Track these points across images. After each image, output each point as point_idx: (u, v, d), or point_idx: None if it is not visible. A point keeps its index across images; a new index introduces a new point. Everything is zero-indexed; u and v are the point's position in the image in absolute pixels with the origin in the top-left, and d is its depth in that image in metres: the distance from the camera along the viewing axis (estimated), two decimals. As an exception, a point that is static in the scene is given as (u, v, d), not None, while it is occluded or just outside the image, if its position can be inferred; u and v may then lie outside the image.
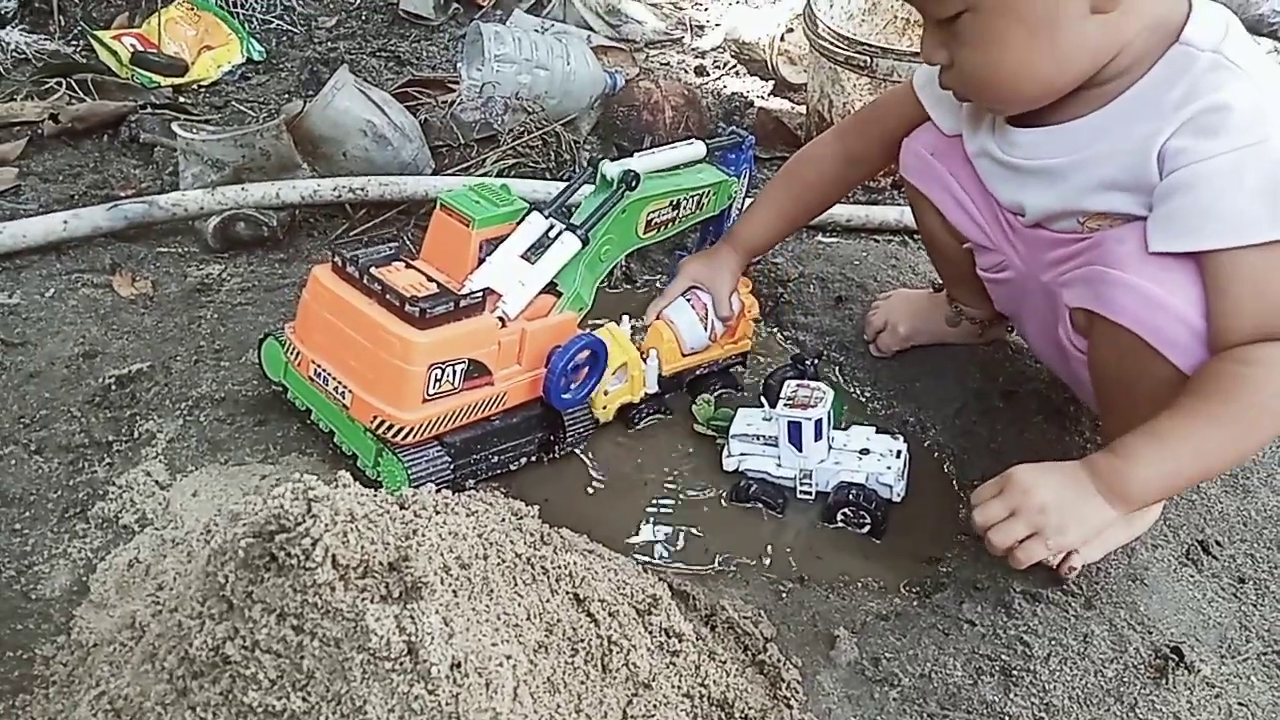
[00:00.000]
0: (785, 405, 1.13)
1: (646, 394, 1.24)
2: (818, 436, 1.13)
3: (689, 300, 1.26)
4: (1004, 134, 1.09)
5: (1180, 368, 0.94)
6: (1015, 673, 0.97)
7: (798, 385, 1.16)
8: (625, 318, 1.25)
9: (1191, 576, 1.10)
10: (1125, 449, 0.94)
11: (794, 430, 1.12)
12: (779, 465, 1.15)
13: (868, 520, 1.12)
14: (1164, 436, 0.93)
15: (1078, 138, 1.01)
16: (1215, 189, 0.91)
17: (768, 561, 1.09)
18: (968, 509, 1.03)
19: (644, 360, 1.22)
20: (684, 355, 1.27)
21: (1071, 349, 1.07)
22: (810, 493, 1.15)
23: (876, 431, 1.18)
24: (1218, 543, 1.14)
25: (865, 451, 1.15)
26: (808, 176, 1.33)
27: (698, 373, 1.30)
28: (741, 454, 1.17)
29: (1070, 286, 1.03)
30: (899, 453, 1.15)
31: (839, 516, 1.13)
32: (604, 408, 1.21)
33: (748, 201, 1.38)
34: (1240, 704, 0.97)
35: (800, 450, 1.13)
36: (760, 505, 1.15)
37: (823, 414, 1.12)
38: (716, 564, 1.09)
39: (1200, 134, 0.91)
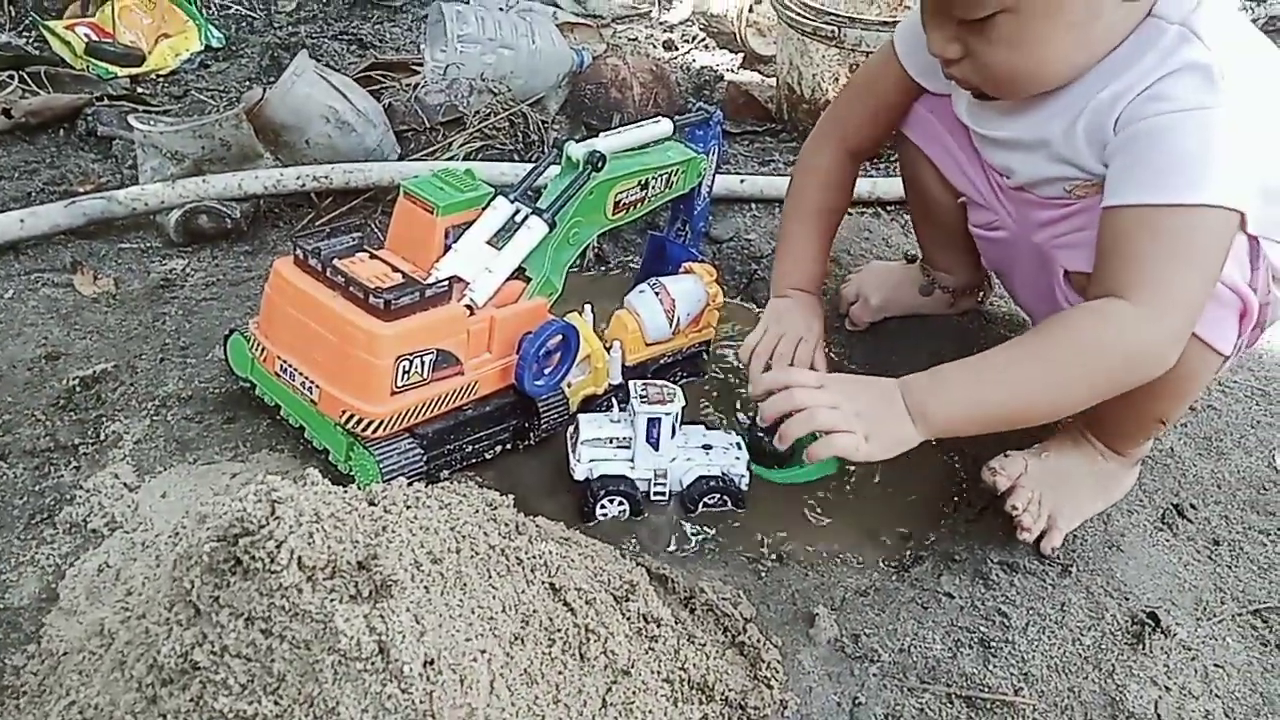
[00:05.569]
0: (640, 403, 1.10)
1: (610, 385, 1.23)
2: (673, 433, 1.11)
3: (657, 293, 1.25)
4: (976, 108, 1.08)
5: None
6: (994, 644, 0.97)
7: (645, 384, 1.14)
8: (588, 307, 1.24)
9: (1167, 541, 1.11)
10: (940, 373, 0.97)
11: (652, 426, 1.09)
12: (633, 467, 1.11)
13: (729, 503, 1.13)
14: (979, 367, 0.96)
15: (1050, 112, 1.00)
16: (1143, 149, 0.91)
17: (745, 540, 1.09)
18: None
19: (607, 351, 1.21)
20: (647, 345, 1.25)
21: (1067, 305, 1.06)
22: (664, 493, 1.12)
23: (708, 429, 1.17)
24: (1192, 506, 1.15)
25: (709, 447, 1.14)
26: (819, 189, 1.28)
27: (661, 361, 1.28)
28: (592, 460, 1.10)
29: (1068, 249, 1.03)
30: (739, 444, 1.15)
31: (700, 506, 1.12)
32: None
33: (720, 184, 1.36)
34: (1216, 665, 0.97)
35: (657, 449, 1.10)
36: (613, 515, 1.10)
37: (678, 409, 1.10)
38: (694, 544, 1.09)
39: (1152, 99, 0.92)
